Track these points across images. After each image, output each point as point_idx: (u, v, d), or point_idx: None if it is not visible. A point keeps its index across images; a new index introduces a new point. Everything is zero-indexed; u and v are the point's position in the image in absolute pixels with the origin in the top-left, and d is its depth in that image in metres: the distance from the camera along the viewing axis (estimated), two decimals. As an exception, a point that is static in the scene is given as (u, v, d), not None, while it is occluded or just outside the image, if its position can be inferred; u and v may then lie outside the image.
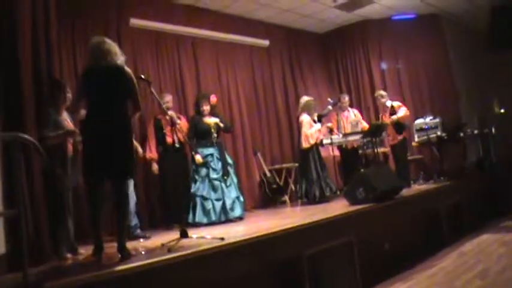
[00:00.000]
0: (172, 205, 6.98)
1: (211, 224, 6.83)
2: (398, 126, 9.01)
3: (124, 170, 4.37)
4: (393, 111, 9.05)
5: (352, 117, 9.47)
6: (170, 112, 6.87)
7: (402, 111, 8.97)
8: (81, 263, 4.36)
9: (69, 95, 5.20)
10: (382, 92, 9.40)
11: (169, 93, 7.72)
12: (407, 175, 9.13)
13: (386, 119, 9.04)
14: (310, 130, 8.33)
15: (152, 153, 7.30)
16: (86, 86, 4.43)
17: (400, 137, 9.06)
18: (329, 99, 9.47)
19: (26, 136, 3.58)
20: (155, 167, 7.29)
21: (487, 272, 5.45)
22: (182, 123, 7.39)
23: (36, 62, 4.94)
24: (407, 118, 9.18)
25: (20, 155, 3.55)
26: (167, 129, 7.27)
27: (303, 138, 8.37)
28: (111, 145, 4.25)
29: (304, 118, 8.44)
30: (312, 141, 8.32)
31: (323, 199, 8.19)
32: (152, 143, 7.33)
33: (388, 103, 9.17)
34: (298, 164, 8.62)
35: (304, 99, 8.83)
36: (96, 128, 4.28)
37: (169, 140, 7.27)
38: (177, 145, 7.27)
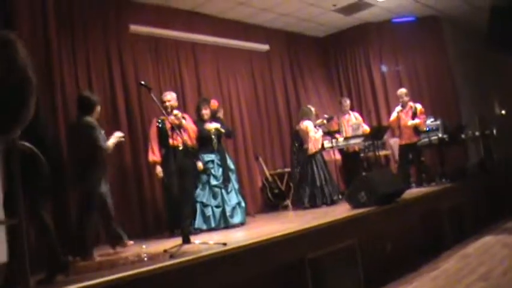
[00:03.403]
0: (176, 210, 6.58)
1: (210, 230, 6.80)
2: (417, 128, 9.23)
3: None
4: (415, 113, 9.21)
5: (353, 121, 9.49)
6: (175, 112, 6.69)
7: (422, 119, 9.24)
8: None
9: None
10: (406, 90, 9.54)
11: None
12: (420, 175, 9.51)
13: (407, 118, 9.20)
14: (316, 135, 8.34)
15: (155, 155, 6.90)
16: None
17: (415, 139, 9.23)
18: (325, 115, 9.27)
19: (26, 143, 3.56)
20: (159, 169, 6.86)
21: (490, 273, 5.42)
22: (186, 124, 6.96)
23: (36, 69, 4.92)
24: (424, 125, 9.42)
25: (19, 162, 3.54)
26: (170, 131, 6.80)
27: (311, 142, 8.36)
28: None
29: (308, 124, 8.46)
30: (319, 146, 8.35)
31: (326, 204, 8.21)
32: (155, 145, 6.94)
33: (411, 103, 9.36)
34: (300, 169, 8.55)
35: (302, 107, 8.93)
36: None
37: (172, 142, 6.63)
38: (180, 147, 6.71)
